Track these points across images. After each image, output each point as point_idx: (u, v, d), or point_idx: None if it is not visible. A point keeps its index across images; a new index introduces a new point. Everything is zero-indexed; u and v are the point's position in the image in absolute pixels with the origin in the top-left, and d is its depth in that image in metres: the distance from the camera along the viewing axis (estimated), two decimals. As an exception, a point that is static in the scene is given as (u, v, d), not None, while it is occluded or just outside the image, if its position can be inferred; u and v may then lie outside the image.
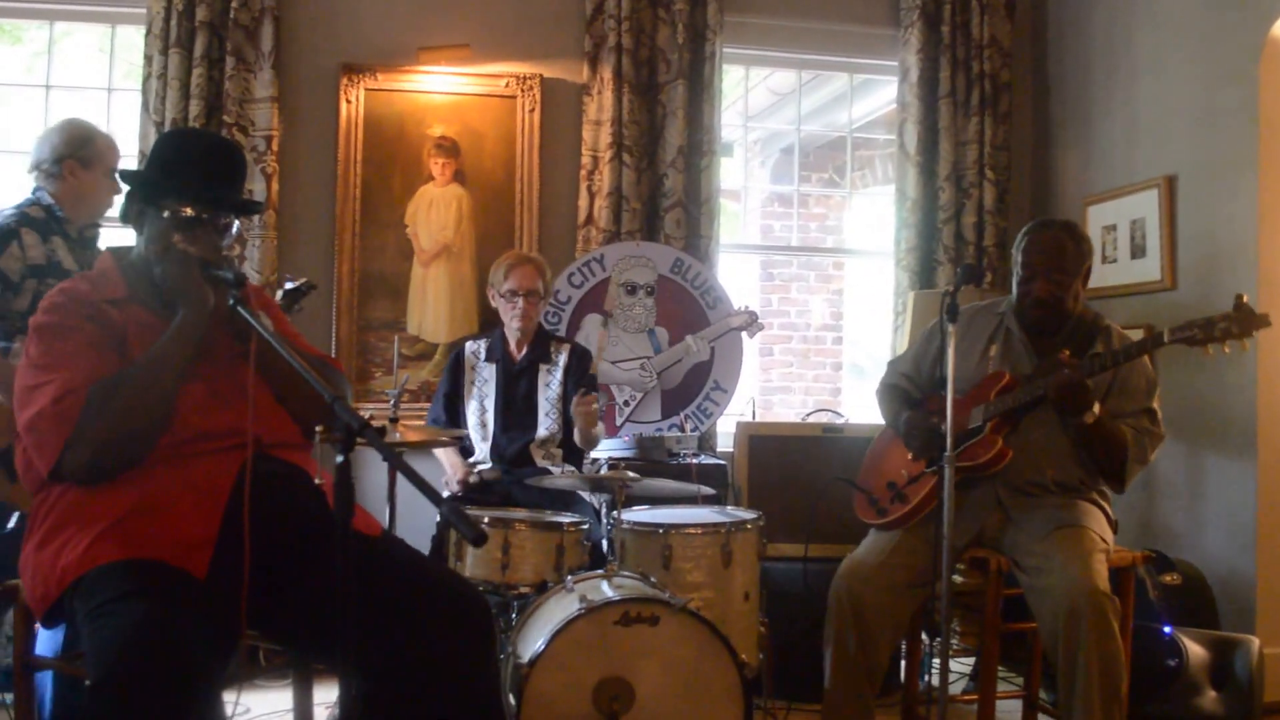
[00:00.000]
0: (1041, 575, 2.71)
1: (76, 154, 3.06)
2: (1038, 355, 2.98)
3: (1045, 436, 2.91)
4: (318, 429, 1.63)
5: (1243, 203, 3.68)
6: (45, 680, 2.66)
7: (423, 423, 3.82)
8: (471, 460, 3.66)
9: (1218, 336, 2.62)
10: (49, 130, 3.15)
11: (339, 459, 1.57)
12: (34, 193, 3.08)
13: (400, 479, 1.78)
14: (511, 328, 3.69)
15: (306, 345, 2.39)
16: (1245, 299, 2.62)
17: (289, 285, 3.67)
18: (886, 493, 3.07)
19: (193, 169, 2.17)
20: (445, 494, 3.60)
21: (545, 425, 3.63)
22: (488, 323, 4.20)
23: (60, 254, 3.02)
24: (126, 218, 2.21)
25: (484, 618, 2.05)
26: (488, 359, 3.74)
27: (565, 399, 3.65)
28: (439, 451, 3.72)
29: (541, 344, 3.74)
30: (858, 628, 2.86)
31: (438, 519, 3.32)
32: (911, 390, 3.22)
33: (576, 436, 3.57)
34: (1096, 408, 2.79)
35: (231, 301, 2.00)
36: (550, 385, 3.67)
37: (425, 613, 1.96)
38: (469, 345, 3.82)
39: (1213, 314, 2.66)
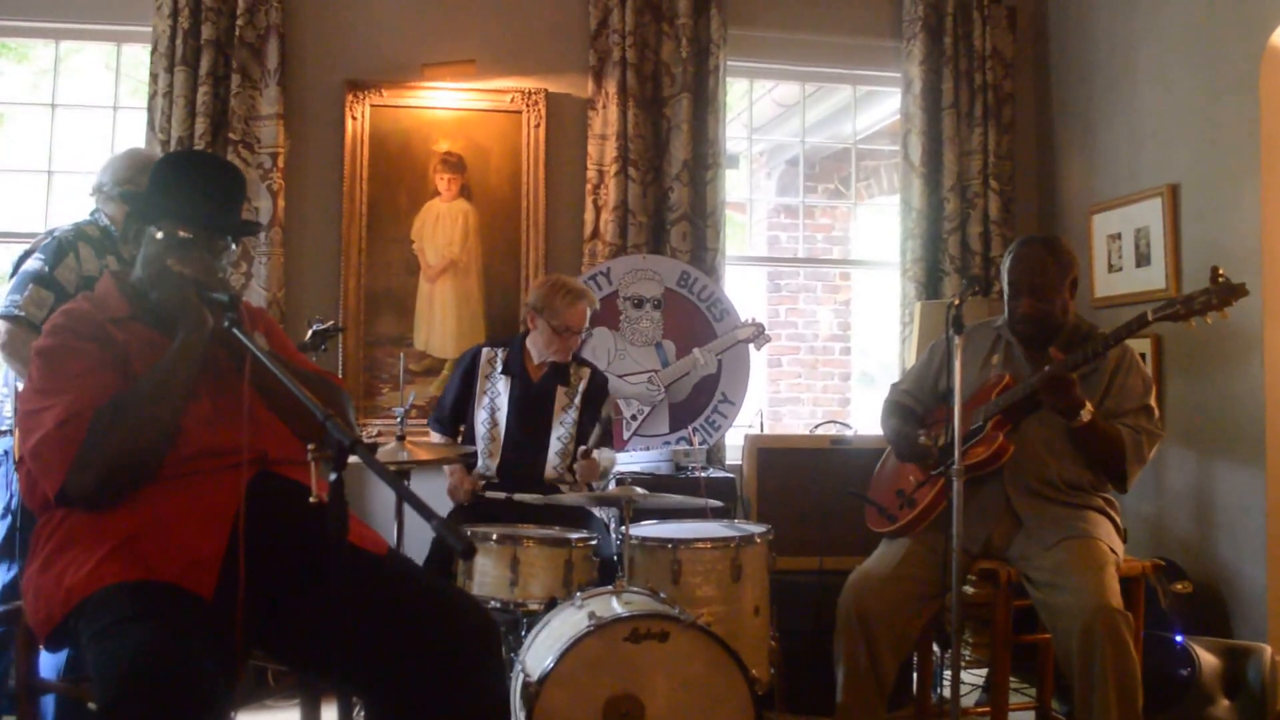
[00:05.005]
0: (1054, 592, 2.71)
1: (135, 181, 3.13)
2: (1036, 367, 2.99)
3: (1048, 436, 2.93)
4: (310, 446, 1.63)
5: (1246, 210, 3.68)
6: (47, 703, 2.66)
7: (430, 440, 3.79)
8: (476, 473, 3.60)
9: (1198, 309, 2.68)
10: (114, 157, 3.31)
11: (332, 476, 1.56)
12: (92, 214, 3.21)
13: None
14: (550, 357, 3.62)
15: (305, 363, 2.39)
16: (1221, 271, 2.69)
17: (317, 327, 3.74)
18: (895, 500, 3.08)
19: (188, 191, 2.18)
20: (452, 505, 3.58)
21: (555, 449, 3.57)
22: (495, 336, 4.19)
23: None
24: (126, 238, 2.22)
25: (491, 636, 2.04)
26: (504, 371, 3.65)
27: (579, 424, 3.61)
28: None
29: (562, 366, 3.67)
30: (866, 640, 2.85)
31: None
32: (915, 406, 3.23)
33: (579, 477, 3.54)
34: (1089, 408, 2.80)
35: (226, 323, 1.99)
36: (568, 412, 3.61)
37: (432, 631, 1.96)
38: (485, 351, 3.72)
39: (1193, 290, 2.71)
